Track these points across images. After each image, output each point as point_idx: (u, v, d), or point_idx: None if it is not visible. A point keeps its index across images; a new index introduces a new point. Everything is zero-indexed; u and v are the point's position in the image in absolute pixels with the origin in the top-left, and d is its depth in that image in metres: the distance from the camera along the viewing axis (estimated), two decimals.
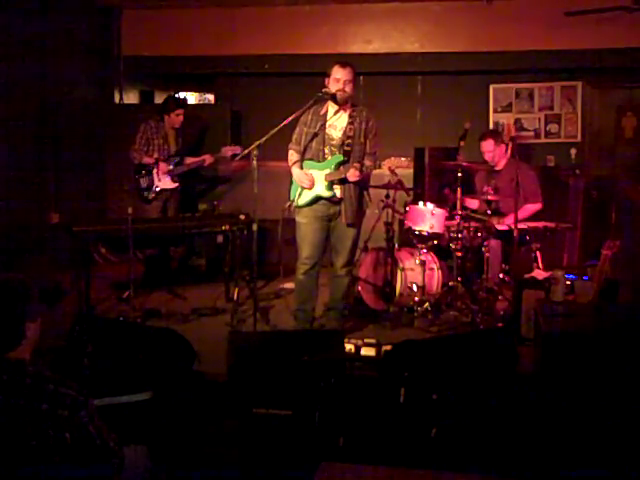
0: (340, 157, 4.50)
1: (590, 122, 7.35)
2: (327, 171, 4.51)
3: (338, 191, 4.55)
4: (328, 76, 4.55)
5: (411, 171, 7.16)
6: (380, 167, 4.49)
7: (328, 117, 4.56)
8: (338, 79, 4.48)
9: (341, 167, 4.49)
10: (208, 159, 6.26)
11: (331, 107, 4.58)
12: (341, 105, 4.54)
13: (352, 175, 4.42)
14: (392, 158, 4.48)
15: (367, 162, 4.55)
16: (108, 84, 7.72)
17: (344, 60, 4.61)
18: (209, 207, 6.95)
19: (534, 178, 5.62)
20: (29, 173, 6.52)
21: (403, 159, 4.49)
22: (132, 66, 7.77)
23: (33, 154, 6.57)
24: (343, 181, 4.52)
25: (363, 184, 4.64)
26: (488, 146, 5.62)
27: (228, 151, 6.24)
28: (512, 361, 3.85)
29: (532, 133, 7.39)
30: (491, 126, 7.32)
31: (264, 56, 7.41)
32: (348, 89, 4.50)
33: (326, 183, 4.51)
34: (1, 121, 6.16)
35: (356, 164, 4.46)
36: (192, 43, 7.45)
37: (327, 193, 4.54)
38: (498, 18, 6.90)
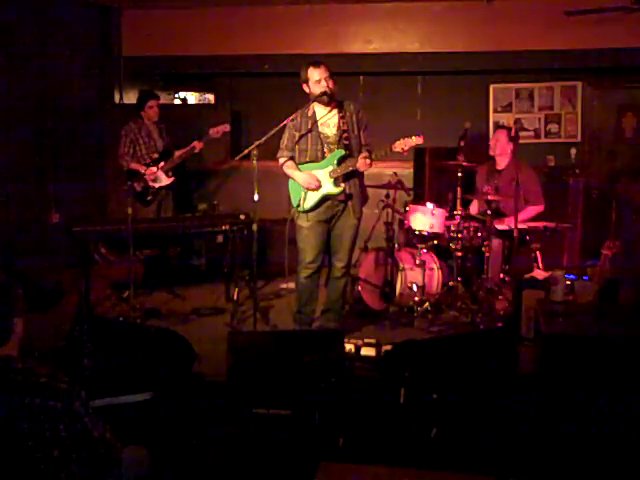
0: (341, 152, 4.43)
1: (590, 122, 7.34)
2: (330, 168, 4.44)
3: (344, 187, 4.47)
4: (305, 82, 4.47)
5: (411, 171, 7.17)
6: (392, 150, 4.38)
7: (318, 117, 4.50)
8: (318, 80, 4.41)
9: (344, 161, 4.42)
10: (198, 145, 6.08)
11: (317, 107, 4.51)
12: (330, 103, 4.47)
13: (363, 165, 4.33)
14: (401, 139, 4.33)
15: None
16: (108, 84, 7.71)
17: (313, 60, 4.53)
18: (209, 207, 6.94)
19: (536, 180, 5.63)
20: (29, 173, 6.51)
21: (414, 137, 4.30)
22: (132, 66, 7.76)
23: (33, 154, 6.56)
24: (348, 176, 4.44)
25: (361, 178, 4.59)
26: (501, 136, 5.64)
27: (216, 132, 6.06)
28: (512, 361, 3.85)
29: (532, 133, 7.39)
30: (491, 126, 7.33)
31: (264, 56, 7.40)
32: (331, 85, 4.44)
33: (332, 180, 4.43)
34: (1, 121, 6.16)
35: (364, 153, 4.37)
36: (192, 43, 7.43)
37: (336, 190, 4.45)
38: (498, 18, 6.89)
